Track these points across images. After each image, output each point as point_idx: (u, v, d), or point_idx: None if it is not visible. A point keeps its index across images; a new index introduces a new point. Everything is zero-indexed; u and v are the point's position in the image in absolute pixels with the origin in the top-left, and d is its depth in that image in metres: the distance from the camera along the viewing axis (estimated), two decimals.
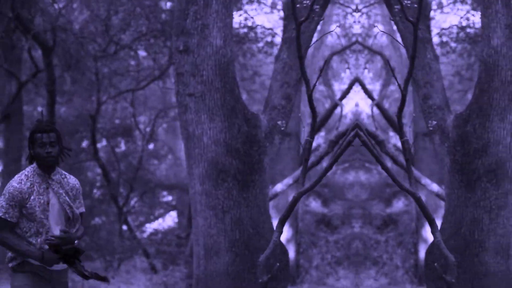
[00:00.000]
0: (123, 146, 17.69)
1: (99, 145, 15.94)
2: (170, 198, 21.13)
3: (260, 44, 13.30)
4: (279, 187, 9.08)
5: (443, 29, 12.42)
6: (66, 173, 4.88)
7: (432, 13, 12.66)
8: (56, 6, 11.99)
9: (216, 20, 6.37)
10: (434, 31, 12.43)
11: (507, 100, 6.24)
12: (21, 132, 14.94)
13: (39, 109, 16.59)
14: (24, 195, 4.63)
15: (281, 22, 14.02)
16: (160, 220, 20.83)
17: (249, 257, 6.27)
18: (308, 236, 11.64)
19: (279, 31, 12.76)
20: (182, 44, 6.40)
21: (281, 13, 12.40)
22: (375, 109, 10.05)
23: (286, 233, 11.15)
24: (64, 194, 4.72)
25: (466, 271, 6.22)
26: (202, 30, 6.37)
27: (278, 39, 12.81)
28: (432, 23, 13.70)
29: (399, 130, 5.70)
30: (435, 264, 5.91)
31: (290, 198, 12.13)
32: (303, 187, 5.43)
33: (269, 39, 13.19)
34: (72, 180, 4.86)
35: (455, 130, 6.42)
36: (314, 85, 5.39)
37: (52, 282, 4.68)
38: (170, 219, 21.06)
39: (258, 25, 12.28)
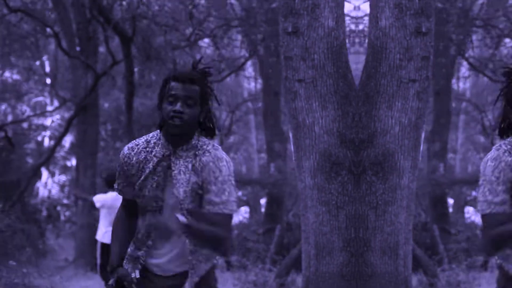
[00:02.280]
0: None
1: None
2: (240, 193, 20.80)
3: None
4: None
5: None
6: (212, 147, 3.21)
7: None
8: None
9: None
10: None
11: (395, 86, 5.52)
12: (96, 125, 14.73)
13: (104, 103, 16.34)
14: (129, 168, 3.22)
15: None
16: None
17: None
18: None
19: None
20: (291, 26, 5.88)
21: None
22: None
23: None
24: (186, 183, 3.15)
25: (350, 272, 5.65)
26: (312, 10, 5.84)
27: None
28: None
29: None
30: None
31: None
32: None
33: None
34: (207, 157, 3.16)
35: None
36: None
37: None
38: (240, 215, 20.73)
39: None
